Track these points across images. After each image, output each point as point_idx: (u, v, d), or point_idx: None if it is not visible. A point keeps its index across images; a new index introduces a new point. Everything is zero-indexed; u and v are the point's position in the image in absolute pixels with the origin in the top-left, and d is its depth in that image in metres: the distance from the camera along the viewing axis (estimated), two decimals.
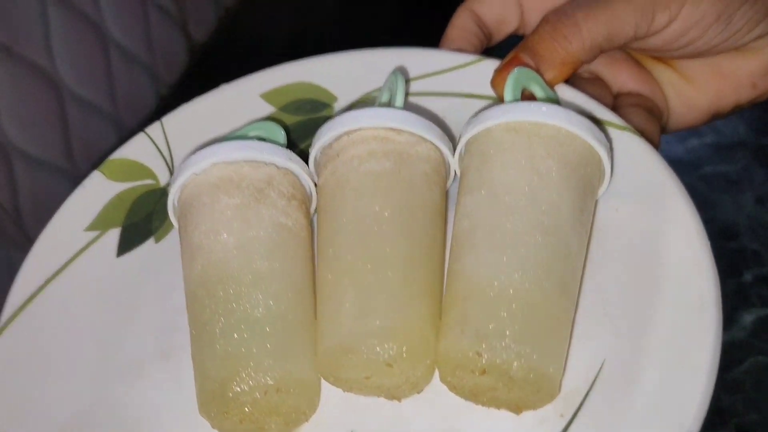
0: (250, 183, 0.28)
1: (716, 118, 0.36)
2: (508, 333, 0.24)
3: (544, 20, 0.31)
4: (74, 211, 0.32)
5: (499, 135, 0.27)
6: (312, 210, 0.31)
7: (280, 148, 0.30)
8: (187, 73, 0.83)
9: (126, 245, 0.32)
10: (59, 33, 0.64)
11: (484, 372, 0.24)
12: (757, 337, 0.53)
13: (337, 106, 0.33)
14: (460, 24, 0.35)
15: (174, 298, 0.30)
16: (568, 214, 0.26)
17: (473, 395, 0.25)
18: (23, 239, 0.62)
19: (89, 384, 0.29)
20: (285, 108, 0.33)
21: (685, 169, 0.65)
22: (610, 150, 0.28)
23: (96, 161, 0.70)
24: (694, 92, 0.35)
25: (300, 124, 0.33)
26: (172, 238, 0.32)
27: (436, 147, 0.29)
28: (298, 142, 0.32)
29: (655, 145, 0.33)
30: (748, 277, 0.56)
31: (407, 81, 0.32)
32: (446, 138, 0.30)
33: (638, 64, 0.36)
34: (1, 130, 0.59)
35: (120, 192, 0.33)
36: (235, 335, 0.25)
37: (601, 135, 0.28)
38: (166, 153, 0.33)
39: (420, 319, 0.26)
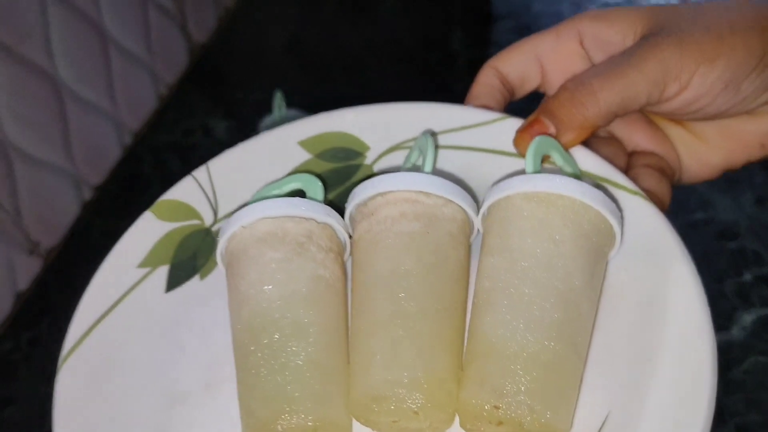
0: (292, 238, 0.31)
1: (728, 171, 0.38)
2: (522, 389, 0.27)
3: (563, 87, 0.33)
4: (128, 248, 0.34)
5: (519, 203, 0.30)
6: (345, 258, 0.34)
7: (319, 204, 0.32)
8: (186, 73, 0.84)
9: (174, 282, 0.34)
10: (59, 33, 0.64)
11: (500, 423, 0.27)
12: (757, 337, 0.53)
13: (369, 154, 0.36)
14: (485, 81, 0.37)
15: (217, 333, 0.33)
16: (580, 279, 0.29)
17: None
18: (23, 239, 0.62)
19: (141, 411, 0.32)
20: (321, 155, 0.36)
21: None
22: (621, 218, 0.31)
23: (96, 162, 0.71)
24: (706, 151, 0.37)
25: (334, 171, 0.36)
26: (215, 276, 0.35)
27: (462, 208, 0.32)
28: (332, 187, 0.35)
29: (666, 204, 0.35)
30: (748, 277, 0.56)
31: (434, 134, 0.35)
32: (470, 198, 0.32)
33: (652, 123, 0.38)
34: (1, 130, 0.59)
35: (169, 231, 0.35)
36: (278, 379, 0.28)
37: (613, 206, 0.30)
38: (210, 195, 0.35)
39: (444, 371, 0.28)
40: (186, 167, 0.73)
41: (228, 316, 0.32)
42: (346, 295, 0.32)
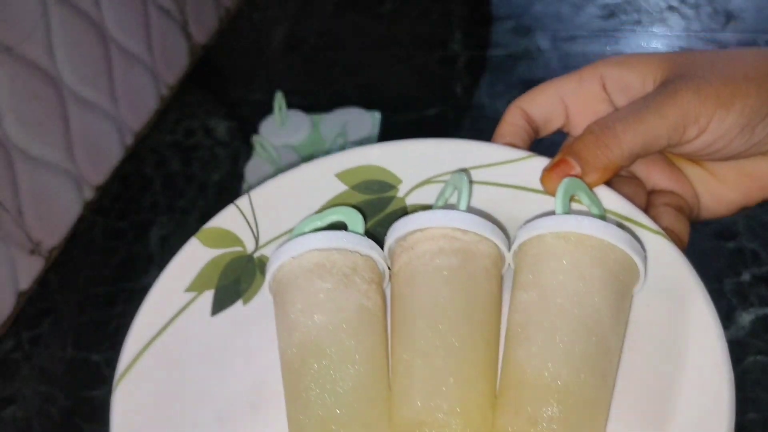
0: (339, 269, 0.33)
1: (746, 208, 0.40)
2: (556, 418, 0.29)
3: (589, 130, 0.35)
4: (176, 272, 0.36)
5: (551, 241, 0.32)
6: (384, 287, 0.36)
7: (363, 238, 0.35)
8: (187, 73, 0.84)
9: (219, 306, 0.36)
10: (60, 33, 0.64)
11: None
12: (756, 337, 0.53)
13: (401, 187, 0.38)
14: (512, 120, 0.39)
15: (261, 356, 0.35)
16: (608, 315, 0.31)
17: None
18: (24, 238, 0.62)
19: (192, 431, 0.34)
20: (356, 187, 0.38)
21: None
22: (645, 257, 0.32)
23: (98, 161, 0.71)
24: (723, 189, 0.39)
25: (368, 202, 0.38)
26: (257, 301, 0.36)
27: (496, 245, 0.34)
28: (366, 217, 0.37)
29: (685, 241, 0.37)
30: (746, 276, 0.56)
31: (468, 173, 0.37)
32: (503, 235, 0.34)
33: (671, 163, 0.40)
34: (3, 130, 0.59)
35: (213, 257, 0.36)
36: (328, 402, 0.30)
37: (638, 246, 0.32)
38: (252, 223, 0.37)
39: (481, 399, 0.30)
40: (187, 167, 0.73)
41: (271, 340, 0.34)
42: (386, 323, 0.34)
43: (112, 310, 0.61)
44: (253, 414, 0.34)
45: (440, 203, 0.36)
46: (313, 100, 0.77)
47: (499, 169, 0.36)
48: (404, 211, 0.38)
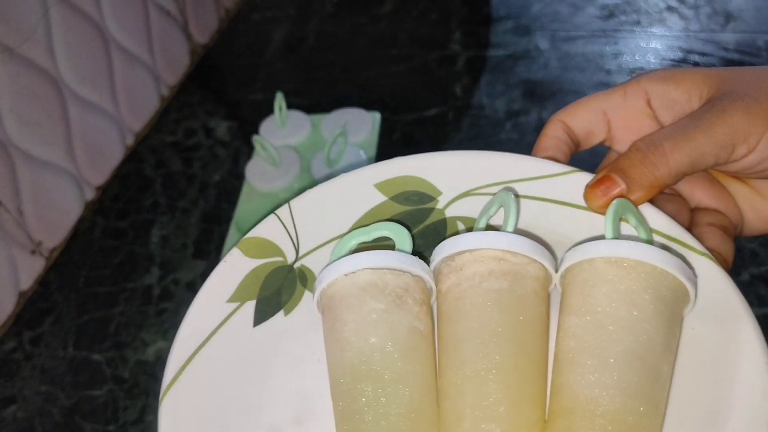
0: (392, 290, 0.33)
1: None
2: None
3: (635, 148, 0.35)
4: (218, 283, 0.36)
5: (602, 266, 0.32)
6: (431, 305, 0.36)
7: (414, 258, 0.35)
8: (188, 73, 0.84)
9: (260, 317, 0.36)
10: (61, 34, 0.64)
11: None
12: None
13: (441, 199, 0.37)
14: (552, 133, 0.39)
15: (303, 368, 0.35)
16: (660, 343, 0.31)
17: None
18: (25, 238, 0.62)
19: None
20: (395, 198, 0.37)
21: None
22: (696, 283, 0.32)
23: (98, 162, 0.71)
24: (767, 207, 0.39)
25: (408, 213, 0.37)
26: (298, 313, 0.37)
27: (544, 267, 0.34)
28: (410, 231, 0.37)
29: (730, 262, 0.37)
30: (746, 276, 0.56)
31: (517, 195, 0.37)
32: (551, 256, 0.34)
33: (715, 181, 0.40)
34: (4, 130, 0.59)
35: (254, 268, 0.36)
36: (382, 425, 0.31)
37: (690, 272, 0.32)
38: (292, 233, 0.37)
39: (530, 424, 0.31)
40: (187, 167, 0.73)
41: (313, 352, 0.35)
42: (435, 344, 0.34)
43: (112, 309, 0.61)
44: (297, 428, 0.34)
45: (484, 220, 0.36)
46: (313, 101, 0.77)
47: (541, 184, 0.36)
48: (444, 223, 0.38)
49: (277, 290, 0.37)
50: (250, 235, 0.37)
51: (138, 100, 0.76)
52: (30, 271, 0.63)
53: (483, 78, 0.76)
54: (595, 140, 0.39)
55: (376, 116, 0.72)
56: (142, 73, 0.76)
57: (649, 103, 0.38)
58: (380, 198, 0.37)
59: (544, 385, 0.32)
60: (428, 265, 0.35)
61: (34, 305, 0.63)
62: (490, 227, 0.36)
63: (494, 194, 0.37)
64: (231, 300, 0.36)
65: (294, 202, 0.37)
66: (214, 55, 0.87)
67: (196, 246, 0.65)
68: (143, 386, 0.56)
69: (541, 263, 0.33)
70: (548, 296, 0.34)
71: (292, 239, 0.37)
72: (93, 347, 0.59)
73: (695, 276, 0.33)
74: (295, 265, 0.37)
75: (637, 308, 0.31)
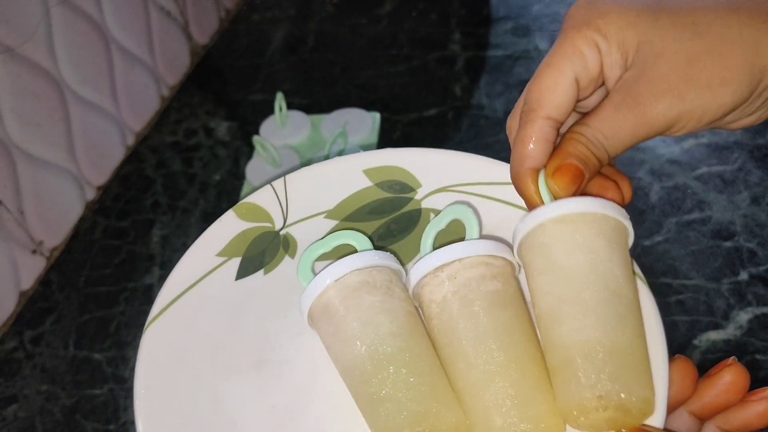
0: (381, 284, 0.37)
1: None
2: (614, 377, 0.32)
3: (568, 137, 0.35)
4: (211, 238, 0.40)
5: (553, 227, 0.34)
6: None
7: (388, 254, 0.38)
8: (188, 74, 0.84)
9: (243, 272, 0.40)
10: (62, 34, 0.64)
11: (606, 409, 0.32)
12: (753, 336, 0.54)
13: (420, 191, 0.41)
14: (541, 136, 0.38)
15: (269, 322, 0.39)
16: (621, 274, 0.34)
17: (596, 426, 0.33)
18: (26, 238, 0.62)
19: (203, 376, 0.38)
20: (379, 184, 0.41)
21: (681, 169, 0.65)
22: (629, 217, 0.36)
23: (99, 162, 0.71)
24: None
25: (387, 200, 0.41)
26: (276, 274, 0.40)
27: (512, 263, 0.37)
28: (383, 214, 0.41)
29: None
30: (744, 276, 0.57)
31: (471, 206, 0.41)
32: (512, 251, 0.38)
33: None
34: (5, 131, 0.59)
35: (245, 229, 0.40)
36: (400, 397, 0.34)
37: (623, 211, 0.35)
38: (283, 204, 0.41)
39: (545, 404, 0.34)
40: (188, 167, 0.73)
41: (280, 310, 0.39)
42: (424, 325, 0.38)
43: (113, 309, 0.62)
44: (255, 371, 0.38)
45: (433, 232, 0.38)
46: (313, 101, 0.77)
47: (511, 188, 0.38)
48: (419, 213, 0.41)
49: (262, 252, 0.40)
50: (246, 200, 0.40)
51: (138, 100, 0.76)
52: (31, 270, 0.64)
53: (482, 78, 0.76)
54: (584, 110, 0.38)
55: (376, 116, 0.72)
56: (142, 74, 0.76)
57: (598, 47, 0.35)
58: (366, 183, 0.41)
59: (546, 370, 0.35)
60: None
61: (35, 305, 0.63)
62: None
63: (468, 193, 0.40)
64: (220, 254, 0.40)
65: (289, 177, 0.41)
66: (215, 56, 0.87)
67: None
68: None
69: (511, 261, 0.37)
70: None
71: (282, 208, 0.41)
72: (94, 346, 0.59)
73: (628, 214, 0.36)
74: (282, 232, 0.40)
75: (594, 252, 0.34)
